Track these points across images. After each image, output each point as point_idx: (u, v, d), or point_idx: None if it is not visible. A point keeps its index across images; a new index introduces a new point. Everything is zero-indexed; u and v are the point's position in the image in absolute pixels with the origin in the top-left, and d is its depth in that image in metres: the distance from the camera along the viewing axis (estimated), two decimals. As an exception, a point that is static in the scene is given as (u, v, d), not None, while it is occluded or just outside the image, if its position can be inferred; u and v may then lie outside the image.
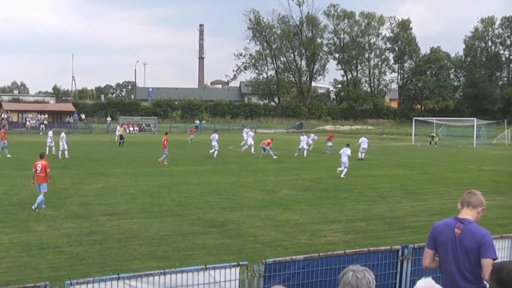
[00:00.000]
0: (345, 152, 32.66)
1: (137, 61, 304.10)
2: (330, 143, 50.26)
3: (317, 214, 19.44)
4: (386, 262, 8.17)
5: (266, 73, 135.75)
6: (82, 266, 12.60)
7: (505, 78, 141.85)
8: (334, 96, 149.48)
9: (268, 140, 45.67)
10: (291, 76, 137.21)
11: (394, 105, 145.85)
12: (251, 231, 16.44)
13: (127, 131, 72.02)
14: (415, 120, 77.32)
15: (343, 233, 16.35)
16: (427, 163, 41.26)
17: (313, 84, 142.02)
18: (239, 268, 7.12)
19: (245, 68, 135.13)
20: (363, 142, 44.43)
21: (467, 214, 6.19)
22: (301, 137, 46.88)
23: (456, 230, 6.11)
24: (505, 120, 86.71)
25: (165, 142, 37.91)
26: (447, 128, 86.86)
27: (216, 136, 44.01)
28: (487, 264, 5.88)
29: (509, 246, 9.38)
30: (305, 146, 46.13)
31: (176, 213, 19.21)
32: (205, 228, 16.76)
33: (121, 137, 57.84)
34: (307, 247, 14.21)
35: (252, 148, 48.92)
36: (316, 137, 55.97)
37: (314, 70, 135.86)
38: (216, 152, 43.07)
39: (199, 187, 26.14)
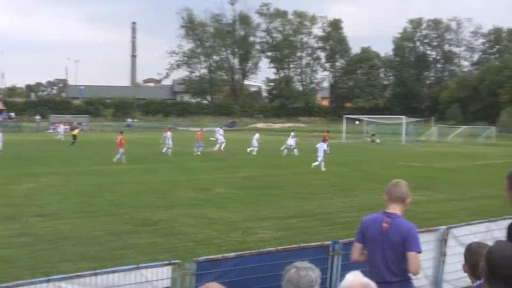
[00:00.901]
0: (322, 146, 35.54)
1: (69, 58, 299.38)
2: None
3: (250, 212, 19.52)
4: (317, 258, 8.25)
5: (199, 72, 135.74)
6: (11, 269, 12.33)
7: (433, 78, 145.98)
8: (267, 94, 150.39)
9: (199, 133, 46.22)
10: (224, 74, 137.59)
11: (326, 103, 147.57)
12: (184, 229, 16.40)
13: (59, 130, 70.83)
14: (346, 118, 78.42)
15: (275, 230, 16.45)
16: (358, 160, 41.94)
17: (246, 82, 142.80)
18: (171, 266, 7.11)
19: (178, 66, 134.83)
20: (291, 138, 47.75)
21: (395, 208, 6.29)
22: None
23: (383, 224, 6.22)
24: (432, 118, 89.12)
25: (121, 140, 38.02)
26: (377, 126, 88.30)
27: (169, 134, 44.88)
28: (412, 257, 6.05)
29: (435, 239, 9.67)
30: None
31: (109, 213, 18.99)
32: (138, 227, 16.64)
33: (74, 137, 57.42)
34: (239, 244, 14.27)
35: (223, 145, 49.85)
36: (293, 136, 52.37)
37: (246, 69, 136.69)
38: (170, 150, 43.84)
39: (132, 186, 25.91)
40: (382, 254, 6.23)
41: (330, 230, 16.45)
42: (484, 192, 25.69)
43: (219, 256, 7.61)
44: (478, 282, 4.75)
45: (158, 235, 15.62)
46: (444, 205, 21.95)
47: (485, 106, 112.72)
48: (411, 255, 6.08)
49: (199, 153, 44.96)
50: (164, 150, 43.78)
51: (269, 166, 36.36)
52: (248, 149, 46.30)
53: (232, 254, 7.71)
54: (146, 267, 6.95)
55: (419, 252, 6.17)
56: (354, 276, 3.96)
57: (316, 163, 34.85)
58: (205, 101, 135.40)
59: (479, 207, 21.50)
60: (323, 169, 34.10)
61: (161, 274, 7.00)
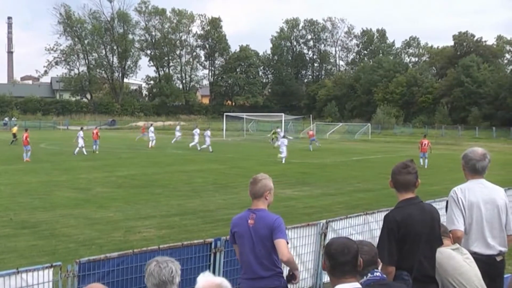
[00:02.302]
0: (284, 142, 40.03)
1: None
2: (314, 138, 54.33)
3: (132, 211, 19.39)
4: (200, 255, 8.36)
5: (78, 69, 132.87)
6: None
7: (310, 76, 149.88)
8: (147, 93, 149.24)
9: (96, 130, 46.20)
10: (103, 72, 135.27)
11: (206, 101, 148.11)
12: (65, 230, 16.10)
13: None
14: (226, 115, 78.98)
15: (157, 228, 16.45)
16: (237, 157, 42.34)
17: (126, 80, 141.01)
18: (52, 269, 6.98)
19: (57, 63, 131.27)
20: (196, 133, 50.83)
21: (258, 204, 6.47)
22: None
23: (249, 221, 6.38)
24: (311, 115, 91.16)
25: (27, 138, 38.23)
26: (257, 123, 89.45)
27: (81, 133, 44.26)
28: (280, 244, 6.19)
29: (315, 233, 9.96)
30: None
31: (-15, 216, 18.37)
32: (17, 230, 16.16)
33: (14, 135, 56.46)
34: (122, 244, 14.18)
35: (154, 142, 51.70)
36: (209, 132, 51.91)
37: (126, 67, 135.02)
38: (78, 149, 43.36)
39: (9, 187, 25.08)
40: (252, 250, 6.38)
41: (212, 227, 16.62)
42: (360, 186, 26.64)
43: (102, 256, 7.55)
44: (366, 278, 4.99)
45: (38, 237, 15.27)
46: (322, 199, 22.58)
47: (361, 104, 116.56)
48: (278, 242, 6.21)
49: (97, 152, 45.22)
50: (76, 151, 43.44)
51: (149, 164, 36.14)
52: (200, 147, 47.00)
53: (114, 254, 7.67)
54: (26, 271, 6.79)
55: (286, 240, 6.34)
56: (206, 278, 4.06)
57: (282, 155, 39.25)
58: (84, 99, 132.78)
59: (356, 200, 22.32)
60: (283, 162, 38.42)
61: (42, 277, 6.87)
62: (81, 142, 43.56)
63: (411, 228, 5.60)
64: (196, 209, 19.89)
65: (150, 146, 52.67)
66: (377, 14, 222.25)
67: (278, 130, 65.72)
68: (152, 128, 56.05)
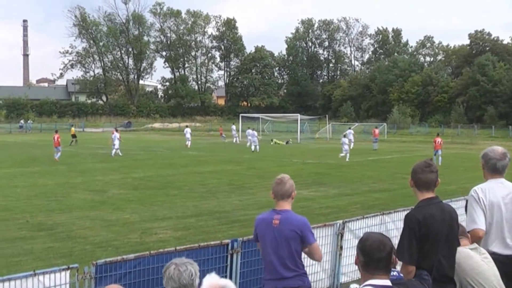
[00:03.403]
0: (345, 141, 42.24)
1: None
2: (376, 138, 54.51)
3: (148, 212, 19.39)
4: (216, 256, 8.34)
5: (93, 71, 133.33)
6: None
7: (325, 77, 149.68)
8: (162, 94, 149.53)
9: (113, 131, 46.66)
10: (119, 74, 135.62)
11: (222, 102, 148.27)
12: (81, 232, 16.11)
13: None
14: (242, 116, 78.93)
15: (173, 230, 16.42)
16: (253, 158, 42.27)
17: (141, 82, 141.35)
18: (69, 271, 6.97)
19: (72, 66, 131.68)
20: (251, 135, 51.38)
21: (284, 205, 6.42)
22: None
23: (274, 221, 6.33)
24: (326, 116, 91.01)
25: (59, 139, 39.08)
26: (272, 124, 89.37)
27: (117, 135, 44.79)
28: (314, 247, 6.35)
29: (331, 233, 9.92)
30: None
31: (2, 218, 18.34)
32: (33, 232, 16.19)
33: (74, 136, 58.58)
34: (138, 245, 14.17)
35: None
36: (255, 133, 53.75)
37: (141, 68, 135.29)
38: (115, 151, 44.02)
39: (26, 189, 25.12)
40: (275, 250, 6.35)
41: (228, 228, 16.59)
42: (376, 186, 26.52)
43: (118, 258, 7.54)
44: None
45: (54, 239, 15.28)
46: (338, 200, 22.50)
47: (377, 104, 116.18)
48: (313, 246, 6.32)
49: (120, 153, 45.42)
50: (113, 152, 44.05)
51: (164, 166, 36.13)
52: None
53: (131, 256, 7.67)
54: (43, 273, 6.79)
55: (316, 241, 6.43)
56: (211, 280, 4.02)
57: (342, 154, 41.51)
58: (100, 102, 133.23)
59: (372, 200, 22.22)
60: (347, 159, 40.38)
61: (59, 279, 6.87)
62: (117, 143, 44.13)
63: (432, 227, 5.55)
64: (212, 210, 19.86)
65: (188, 146, 54.06)
66: (389, 13, 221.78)
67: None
68: (188, 130, 57.48)
